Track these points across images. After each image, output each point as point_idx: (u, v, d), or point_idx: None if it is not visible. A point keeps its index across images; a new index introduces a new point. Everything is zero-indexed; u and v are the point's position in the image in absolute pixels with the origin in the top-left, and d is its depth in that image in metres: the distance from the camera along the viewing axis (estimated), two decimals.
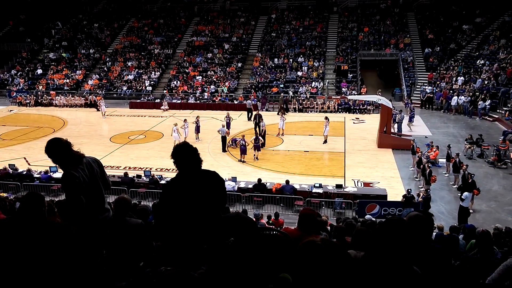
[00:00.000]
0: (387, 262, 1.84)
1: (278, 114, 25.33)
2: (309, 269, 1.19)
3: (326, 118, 21.34)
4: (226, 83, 32.72)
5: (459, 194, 13.33)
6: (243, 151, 18.49)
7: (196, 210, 2.95)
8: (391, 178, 16.52)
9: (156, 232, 3.25)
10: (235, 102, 30.57)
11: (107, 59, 37.48)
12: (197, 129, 21.65)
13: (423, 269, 2.11)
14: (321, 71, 32.94)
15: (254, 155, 18.74)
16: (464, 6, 34.71)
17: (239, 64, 34.96)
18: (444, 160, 17.14)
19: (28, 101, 32.22)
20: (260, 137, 19.39)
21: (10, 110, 30.92)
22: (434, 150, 17.92)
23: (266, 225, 9.83)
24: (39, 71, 36.97)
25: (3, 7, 41.69)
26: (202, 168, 3.25)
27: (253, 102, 29.59)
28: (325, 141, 21.09)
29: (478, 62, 29.46)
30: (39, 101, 32.29)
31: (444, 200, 14.58)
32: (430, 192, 13.97)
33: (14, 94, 33.91)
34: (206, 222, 2.82)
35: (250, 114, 26.40)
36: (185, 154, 3.17)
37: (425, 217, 2.77)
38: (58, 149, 3.41)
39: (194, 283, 1.11)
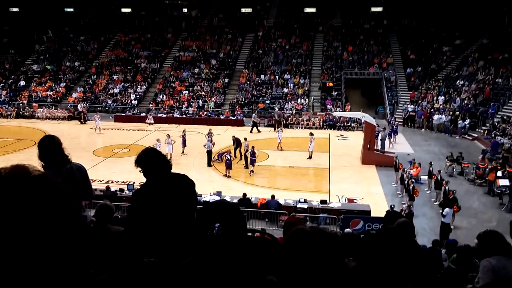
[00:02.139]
0: (381, 274, 1.80)
1: (275, 130, 25.90)
2: (300, 258, 1.18)
3: (311, 134, 21.54)
4: (213, 98, 32.80)
5: (440, 211, 13.49)
6: (229, 166, 18.41)
7: (169, 215, 2.83)
8: (375, 194, 16.65)
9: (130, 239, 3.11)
10: (221, 117, 30.61)
11: (95, 72, 37.24)
12: (184, 143, 21.52)
13: (415, 273, 2.08)
14: (306, 88, 33.34)
15: (251, 170, 18.77)
16: (444, 29, 35.86)
17: (226, 80, 35.15)
18: (426, 177, 17.39)
19: (9, 113, 31.65)
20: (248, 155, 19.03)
21: None
22: (416, 167, 18.18)
23: None
24: (22, 83, 36.42)
25: None
26: (173, 172, 3.12)
27: (239, 117, 29.67)
28: (310, 157, 21.22)
29: (457, 82, 30.29)
30: (21, 113, 31.76)
31: (427, 217, 14.73)
32: (413, 209, 14.11)
33: None
34: (179, 226, 2.72)
35: (254, 127, 26.96)
36: (151, 160, 3.02)
37: (412, 224, 2.81)
38: (47, 145, 3.52)
39: (178, 273, 1.10)
